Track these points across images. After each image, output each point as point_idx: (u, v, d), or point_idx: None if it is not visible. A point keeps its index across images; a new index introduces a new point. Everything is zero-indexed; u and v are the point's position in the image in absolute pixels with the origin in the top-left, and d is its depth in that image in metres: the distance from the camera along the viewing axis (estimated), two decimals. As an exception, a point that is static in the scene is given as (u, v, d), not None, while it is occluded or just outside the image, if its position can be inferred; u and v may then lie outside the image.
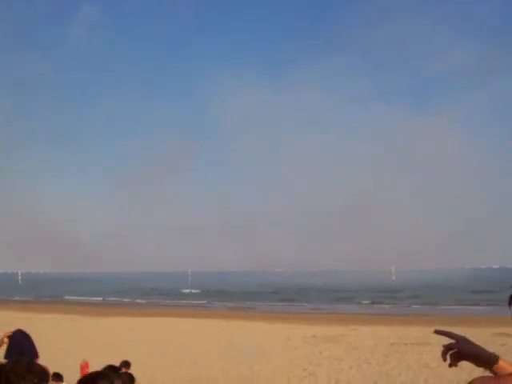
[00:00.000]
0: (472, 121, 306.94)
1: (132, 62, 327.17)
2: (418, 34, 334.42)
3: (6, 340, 6.01)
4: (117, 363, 8.38)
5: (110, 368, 4.80)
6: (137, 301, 66.10)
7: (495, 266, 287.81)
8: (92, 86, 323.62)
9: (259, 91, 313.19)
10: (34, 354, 5.75)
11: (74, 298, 73.35)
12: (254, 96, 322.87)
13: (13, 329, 6.21)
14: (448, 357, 2.30)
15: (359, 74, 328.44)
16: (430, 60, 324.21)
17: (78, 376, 8.24)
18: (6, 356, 5.74)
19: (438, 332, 2.41)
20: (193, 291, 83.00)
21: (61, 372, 8.66)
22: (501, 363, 2.20)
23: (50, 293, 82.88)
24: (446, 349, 2.33)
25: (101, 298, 71.89)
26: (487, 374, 2.39)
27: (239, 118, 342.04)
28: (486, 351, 2.27)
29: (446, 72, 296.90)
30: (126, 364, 9.64)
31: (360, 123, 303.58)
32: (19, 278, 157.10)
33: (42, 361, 4.58)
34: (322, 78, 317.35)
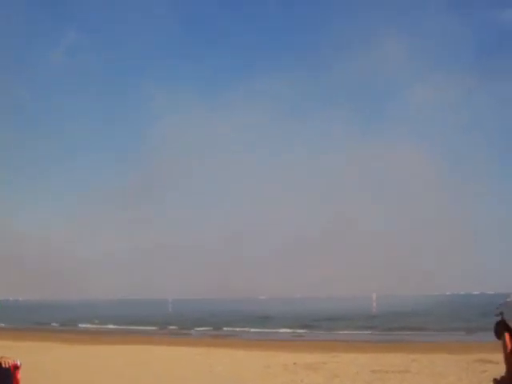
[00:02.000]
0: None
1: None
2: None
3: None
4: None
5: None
6: (114, 328, 65.39)
7: (475, 292, 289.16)
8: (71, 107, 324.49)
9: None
10: None
11: (57, 325, 72.54)
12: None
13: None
14: None
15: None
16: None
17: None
18: None
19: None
20: (172, 318, 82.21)
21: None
22: None
23: (30, 320, 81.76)
24: None
25: (78, 325, 71.21)
26: None
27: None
28: None
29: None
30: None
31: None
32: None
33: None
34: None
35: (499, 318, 2.52)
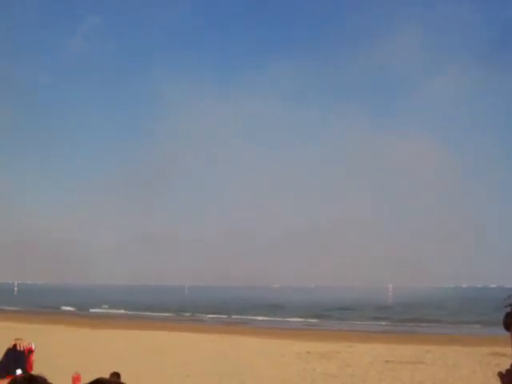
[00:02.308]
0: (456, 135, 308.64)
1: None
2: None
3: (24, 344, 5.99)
4: (106, 375, 8.29)
5: (99, 380, 4.72)
6: (130, 313, 65.86)
7: (493, 286, 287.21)
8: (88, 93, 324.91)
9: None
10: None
11: (68, 308, 73.27)
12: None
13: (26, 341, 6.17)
14: None
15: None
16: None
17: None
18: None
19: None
20: (186, 305, 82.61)
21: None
22: None
23: (43, 303, 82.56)
24: None
25: (94, 310, 71.89)
26: None
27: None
28: None
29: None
30: (116, 376, 9.53)
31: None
32: (15, 288, 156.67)
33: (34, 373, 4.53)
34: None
35: (509, 310, 2.49)
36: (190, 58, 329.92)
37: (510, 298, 2.46)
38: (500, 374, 2.38)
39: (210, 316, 62.42)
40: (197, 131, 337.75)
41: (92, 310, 71.22)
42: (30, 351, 6.27)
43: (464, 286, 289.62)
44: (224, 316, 62.01)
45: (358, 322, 54.44)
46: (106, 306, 77.14)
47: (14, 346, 6.06)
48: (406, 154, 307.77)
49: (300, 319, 58.27)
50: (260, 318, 59.94)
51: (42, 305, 79.28)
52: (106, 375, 7.35)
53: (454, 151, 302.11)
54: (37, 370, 6.56)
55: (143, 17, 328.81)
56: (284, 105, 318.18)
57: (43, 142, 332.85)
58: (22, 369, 5.79)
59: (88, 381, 3.21)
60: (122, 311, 69.57)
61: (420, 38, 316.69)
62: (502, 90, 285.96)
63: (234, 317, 60.57)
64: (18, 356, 6.03)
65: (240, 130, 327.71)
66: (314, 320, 57.61)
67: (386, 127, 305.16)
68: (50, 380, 2.91)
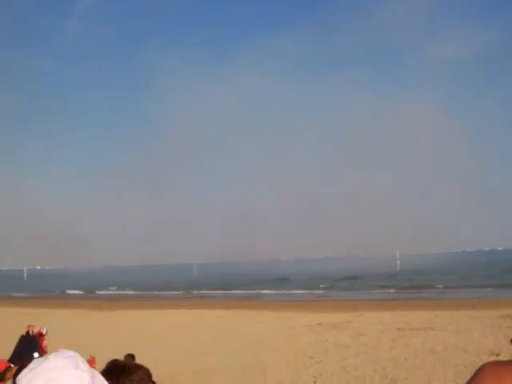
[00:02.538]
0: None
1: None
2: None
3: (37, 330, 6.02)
4: (121, 357, 8.31)
5: (115, 362, 4.72)
6: (138, 294, 66.18)
7: (500, 248, 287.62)
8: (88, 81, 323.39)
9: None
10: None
11: (77, 292, 73.64)
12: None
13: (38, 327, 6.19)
14: None
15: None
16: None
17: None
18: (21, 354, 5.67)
19: None
20: (195, 283, 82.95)
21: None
22: None
23: (52, 288, 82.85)
24: None
25: (103, 292, 72.23)
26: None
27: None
28: None
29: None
30: (131, 357, 9.56)
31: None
32: (24, 274, 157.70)
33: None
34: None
35: None
36: (189, 37, 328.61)
37: None
38: None
39: (220, 292, 62.70)
40: (195, 113, 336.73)
41: (100, 292, 71.53)
42: (41, 335, 6.29)
43: (471, 250, 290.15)
44: (233, 291, 62.21)
45: (367, 291, 54.65)
46: (114, 288, 77.56)
47: (27, 332, 6.09)
48: (410, 122, 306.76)
49: (309, 291, 58.50)
50: (269, 291, 60.16)
51: (51, 289, 79.55)
52: (119, 357, 7.37)
53: (455, 118, 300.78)
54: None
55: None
56: (281, 79, 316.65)
57: (45, 129, 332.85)
58: (37, 352, 5.82)
59: (102, 363, 3.20)
60: (131, 292, 69.84)
61: (418, 4, 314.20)
62: (502, 56, 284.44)
63: (243, 292, 60.75)
64: (30, 341, 6.06)
65: (237, 107, 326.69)
66: (323, 291, 57.89)
67: (385, 95, 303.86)
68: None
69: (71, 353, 2.18)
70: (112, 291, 73.30)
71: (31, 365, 2.09)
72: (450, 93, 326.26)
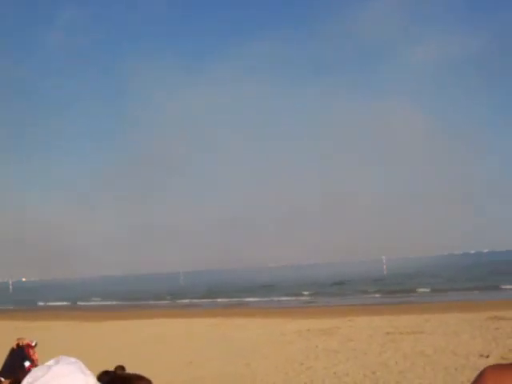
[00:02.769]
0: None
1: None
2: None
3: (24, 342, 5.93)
4: (111, 368, 8.19)
5: (106, 374, 4.65)
6: (124, 304, 65.69)
7: (485, 250, 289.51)
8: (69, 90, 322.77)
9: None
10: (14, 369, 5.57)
11: (64, 303, 73.02)
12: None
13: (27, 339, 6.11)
14: None
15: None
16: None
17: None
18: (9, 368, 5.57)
19: None
20: (182, 291, 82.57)
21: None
22: None
23: (38, 300, 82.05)
24: None
25: (89, 303, 71.68)
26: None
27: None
28: None
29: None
30: (121, 369, 9.42)
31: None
32: (10, 287, 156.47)
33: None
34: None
35: None
36: (164, 45, 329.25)
37: None
38: None
39: (207, 300, 62.44)
40: (178, 119, 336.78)
41: (85, 303, 70.99)
42: (29, 346, 6.20)
43: (457, 252, 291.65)
44: (221, 299, 61.92)
45: (355, 296, 54.75)
46: (99, 299, 76.96)
47: (17, 345, 6.01)
48: (392, 125, 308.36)
49: (296, 297, 58.48)
50: (256, 298, 59.97)
51: (37, 301, 78.80)
52: (108, 368, 7.27)
53: (437, 119, 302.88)
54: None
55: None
56: (262, 85, 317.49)
57: (29, 137, 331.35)
58: (28, 361, 5.73)
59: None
60: (116, 302, 69.26)
61: (396, 5, 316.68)
62: (482, 54, 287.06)
63: (231, 299, 60.48)
64: (20, 353, 5.97)
65: (220, 113, 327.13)
66: (310, 297, 57.88)
67: (368, 98, 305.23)
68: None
69: (72, 359, 2.17)
70: (97, 302, 72.82)
71: (32, 375, 2.05)
72: (431, 96, 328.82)
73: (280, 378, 15.63)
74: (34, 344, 6.33)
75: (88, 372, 2.13)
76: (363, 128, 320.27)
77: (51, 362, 2.12)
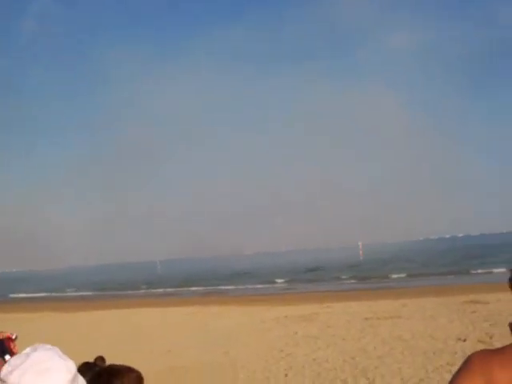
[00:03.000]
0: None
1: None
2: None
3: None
4: (90, 359, 8.05)
5: (86, 365, 4.54)
6: (100, 294, 65.21)
7: (460, 235, 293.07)
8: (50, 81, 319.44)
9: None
10: None
11: (44, 294, 72.11)
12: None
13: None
14: None
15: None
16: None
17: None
18: None
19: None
20: (159, 280, 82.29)
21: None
22: None
23: (10, 292, 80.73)
24: None
25: (64, 294, 71.00)
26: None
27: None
28: None
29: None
30: (101, 360, 9.28)
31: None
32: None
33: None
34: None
35: None
36: (141, 33, 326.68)
37: None
38: (510, 325, 2.26)
39: (184, 289, 62.24)
40: (152, 108, 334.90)
41: (61, 294, 70.22)
42: (9, 339, 6.07)
43: (433, 237, 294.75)
44: (198, 288, 61.69)
45: (332, 282, 55.03)
46: (74, 289, 76.32)
47: None
48: (370, 112, 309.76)
49: (274, 284, 58.65)
50: (234, 286, 59.88)
51: (8, 293, 77.32)
52: (88, 359, 7.13)
53: (417, 107, 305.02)
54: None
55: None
56: (239, 74, 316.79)
57: (3, 124, 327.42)
58: (8, 354, 5.62)
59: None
60: (91, 293, 68.63)
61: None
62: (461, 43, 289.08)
63: (208, 288, 60.27)
64: (0, 346, 5.85)
65: (193, 102, 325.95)
66: (287, 284, 58.06)
67: (345, 85, 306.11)
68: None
69: (48, 346, 2.22)
70: (74, 292, 72.21)
71: (11, 363, 2.06)
72: (409, 82, 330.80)
73: (260, 366, 15.60)
74: (14, 337, 6.18)
75: (65, 356, 2.17)
76: (340, 114, 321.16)
77: (28, 349, 2.15)
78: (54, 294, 69.97)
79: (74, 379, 2.13)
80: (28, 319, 33.61)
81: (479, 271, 52.06)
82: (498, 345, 2.16)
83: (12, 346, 6.00)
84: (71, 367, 2.14)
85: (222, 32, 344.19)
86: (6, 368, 2.04)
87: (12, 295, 73.72)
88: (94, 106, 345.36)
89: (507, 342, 1.99)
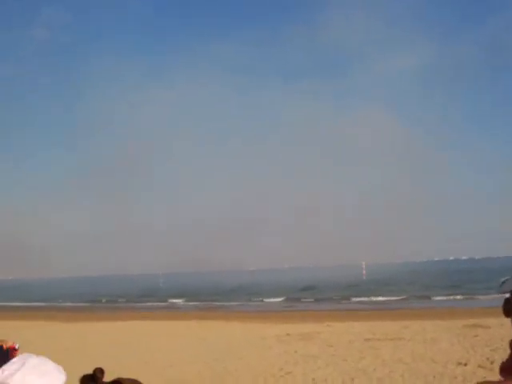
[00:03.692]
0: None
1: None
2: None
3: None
4: (89, 371, 8.04)
5: (87, 377, 4.56)
6: (104, 305, 65.09)
7: (464, 257, 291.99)
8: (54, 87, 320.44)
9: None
10: None
11: (42, 304, 71.88)
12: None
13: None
14: None
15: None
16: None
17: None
18: None
19: None
20: (161, 292, 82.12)
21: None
22: None
23: (13, 299, 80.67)
24: None
25: (68, 304, 70.70)
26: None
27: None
28: None
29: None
30: (100, 371, 9.27)
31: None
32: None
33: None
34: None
35: (508, 296, 2.36)
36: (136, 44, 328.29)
37: (507, 284, 2.30)
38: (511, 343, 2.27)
39: (186, 303, 62.12)
40: (147, 120, 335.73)
41: (61, 304, 69.93)
42: (14, 349, 6.07)
43: (436, 259, 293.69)
44: (201, 302, 61.59)
45: (334, 301, 54.78)
46: (77, 299, 76.03)
47: (0, 346, 5.89)
48: (367, 134, 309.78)
49: (276, 301, 58.46)
50: (236, 302, 59.74)
51: (11, 300, 77.23)
52: (88, 371, 7.15)
53: (416, 127, 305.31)
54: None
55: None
56: (235, 89, 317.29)
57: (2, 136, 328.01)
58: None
59: (73, 379, 3.05)
60: (89, 304, 68.14)
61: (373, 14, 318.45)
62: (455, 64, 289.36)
63: (210, 302, 60.21)
64: (2, 355, 5.84)
65: (184, 116, 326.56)
66: (290, 301, 57.80)
67: (339, 106, 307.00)
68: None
69: (33, 354, 2.43)
70: (74, 302, 71.91)
71: (7, 368, 2.28)
72: (402, 102, 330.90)
73: (258, 383, 15.56)
74: (17, 347, 6.21)
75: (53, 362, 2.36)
76: (337, 133, 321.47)
77: (20, 356, 2.45)
78: (52, 304, 69.73)
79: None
80: (23, 328, 33.60)
81: (481, 295, 51.80)
82: (498, 370, 2.17)
83: (13, 355, 6.01)
84: (61, 370, 2.32)
85: (218, 46, 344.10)
86: (2, 373, 2.26)
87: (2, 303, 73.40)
88: (91, 117, 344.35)
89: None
